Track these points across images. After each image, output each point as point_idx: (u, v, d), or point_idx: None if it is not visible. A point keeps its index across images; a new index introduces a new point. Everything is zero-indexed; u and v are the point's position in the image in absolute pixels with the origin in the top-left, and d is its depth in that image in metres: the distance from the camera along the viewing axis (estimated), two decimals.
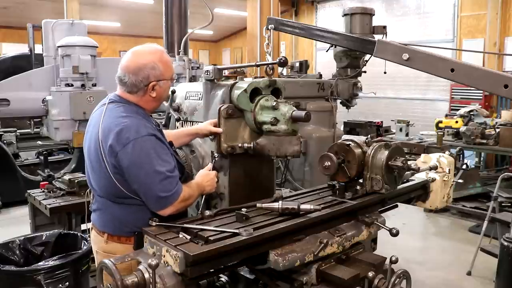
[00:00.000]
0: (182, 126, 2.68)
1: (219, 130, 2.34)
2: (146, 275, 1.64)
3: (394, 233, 2.14)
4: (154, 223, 1.87)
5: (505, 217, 4.43)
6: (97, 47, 4.88)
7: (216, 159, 2.30)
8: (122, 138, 1.96)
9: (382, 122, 7.47)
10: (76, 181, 3.97)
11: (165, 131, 2.52)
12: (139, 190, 2.00)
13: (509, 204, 5.83)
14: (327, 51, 4.01)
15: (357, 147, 2.26)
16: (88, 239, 3.36)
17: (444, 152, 2.93)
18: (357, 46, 3.05)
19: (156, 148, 2.00)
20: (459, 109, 7.33)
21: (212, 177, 2.24)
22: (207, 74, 2.45)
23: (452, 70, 2.46)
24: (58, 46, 4.74)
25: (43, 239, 3.50)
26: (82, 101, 4.57)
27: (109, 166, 2.01)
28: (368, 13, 3.99)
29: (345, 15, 4.03)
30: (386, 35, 3.77)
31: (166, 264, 1.67)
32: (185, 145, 2.57)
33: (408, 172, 2.46)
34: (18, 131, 7.74)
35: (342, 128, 6.70)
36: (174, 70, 2.24)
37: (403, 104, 10.56)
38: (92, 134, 2.11)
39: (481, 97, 8.55)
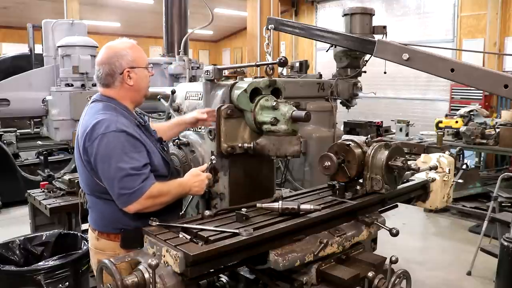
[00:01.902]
0: None
1: (203, 116, 2.36)
2: (146, 275, 1.65)
3: (394, 233, 2.14)
4: (154, 223, 1.87)
5: (505, 217, 4.43)
6: (97, 47, 4.86)
7: (213, 161, 2.22)
8: (93, 134, 1.98)
9: (382, 122, 7.47)
10: (76, 181, 3.96)
11: (157, 124, 2.52)
12: (105, 185, 2.00)
13: (509, 204, 5.82)
14: (327, 51, 4.01)
15: (357, 147, 2.26)
16: (88, 239, 3.37)
17: (444, 152, 2.93)
18: (357, 46, 3.05)
19: (123, 144, 1.96)
20: (459, 109, 7.33)
21: (202, 179, 2.12)
22: (207, 74, 2.45)
23: (452, 70, 2.46)
24: (58, 46, 4.73)
25: (43, 239, 3.50)
26: (82, 101, 4.54)
27: (85, 162, 2.05)
28: (368, 13, 3.99)
29: (345, 15, 4.03)
30: (386, 35, 3.77)
31: (166, 264, 1.67)
32: (185, 145, 2.57)
33: (408, 172, 2.46)
34: (18, 131, 7.74)
35: (342, 128, 6.70)
36: (147, 60, 2.22)
37: (403, 104, 10.56)
38: (77, 135, 2.15)
39: (481, 97, 8.55)
